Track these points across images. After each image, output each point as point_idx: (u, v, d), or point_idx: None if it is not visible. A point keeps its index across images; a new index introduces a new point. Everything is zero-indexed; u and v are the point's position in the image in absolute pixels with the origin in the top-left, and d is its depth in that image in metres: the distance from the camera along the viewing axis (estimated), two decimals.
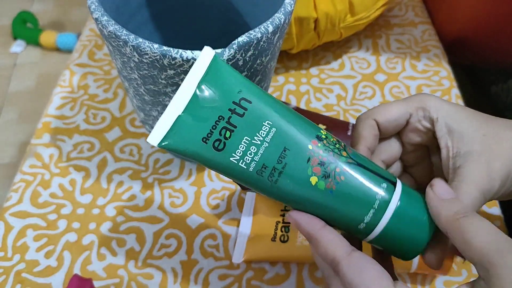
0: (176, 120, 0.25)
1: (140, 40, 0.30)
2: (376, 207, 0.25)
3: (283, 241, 0.37)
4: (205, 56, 0.26)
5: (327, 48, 0.55)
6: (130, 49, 0.30)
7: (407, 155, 0.31)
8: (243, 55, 0.30)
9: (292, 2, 0.33)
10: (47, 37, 1.57)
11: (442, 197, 0.26)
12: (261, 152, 0.25)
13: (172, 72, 0.31)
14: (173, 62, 0.30)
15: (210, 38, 0.46)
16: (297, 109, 0.46)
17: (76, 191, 0.43)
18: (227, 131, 0.25)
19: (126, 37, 0.30)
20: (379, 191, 0.25)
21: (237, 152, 0.25)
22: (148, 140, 0.25)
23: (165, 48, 0.29)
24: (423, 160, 0.32)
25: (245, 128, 0.25)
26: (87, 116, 0.49)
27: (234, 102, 0.25)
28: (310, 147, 0.25)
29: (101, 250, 0.39)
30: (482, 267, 0.22)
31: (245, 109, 0.25)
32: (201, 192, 0.43)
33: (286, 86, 0.52)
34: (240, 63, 0.31)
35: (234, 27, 0.44)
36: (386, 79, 0.52)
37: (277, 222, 0.38)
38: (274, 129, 0.25)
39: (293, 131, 0.25)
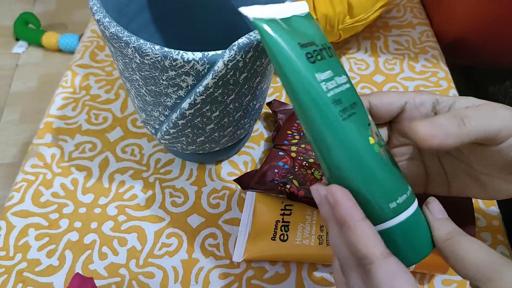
0: (288, 17, 0.27)
1: (142, 41, 0.30)
2: (408, 194, 0.26)
3: (283, 240, 0.37)
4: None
5: None
6: (132, 51, 0.31)
7: (394, 149, 0.31)
8: (243, 56, 0.31)
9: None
10: (49, 38, 1.57)
11: (436, 217, 0.26)
12: (342, 89, 0.26)
13: (173, 73, 0.31)
14: (174, 63, 0.30)
15: (211, 39, 0.47)
16: None
17: (77, 190, 0.43)
18: (319, 55, 0.26)
19: (128, 38, 0.30)
20: (408, 186, 0.27)
21: (324, 74, 0.26)
22: (251, 13, 0.25)
23: (166, 49, 0.30)
24: (411, 161, 0.31)
25: (333, 63, 0.27)
26: (89, 117, 0.49)
27: (324, 44, 0.27)
28: (369, 117, 0.27)
29: (103, 249, 0.40)
30: (479, 281, 0.23)
31: (332, 55, 0.27)
32: (201, 191, 0.43)
33: None
34: (240, 64, 0.31)
35: (234, 28, 0.45)
36: (384, 80, 0.53)
37: (277, 222, 0.38)
38: (349, 85, 0.27)
39: (359, 98, 0.27)
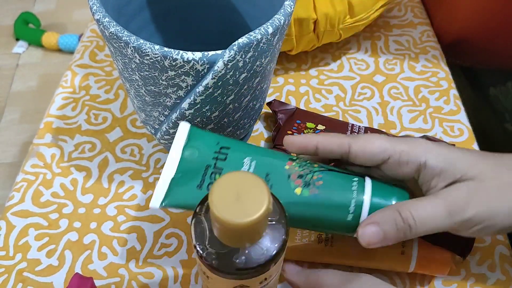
0: (170, 182, 0.31)
1: (141, 41, 0.30)
2: (355, 196, 0.30)
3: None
4: (182, 128, 0.32)
5: (326, 50, 0.56)
6: (131, 50, 0.31)
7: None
8: (243, 56, 0.31)
9: (291, 3, 0.33)
10: (49, 38, 1.57)
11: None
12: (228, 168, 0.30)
13: (173, 73, 0.31)
14: (174, 63, 0.30)
15: (210, 39, 0.47)
16: (297, 109, 0.46)
17: (77, 190, 0.43)
18: (216, 174, 0.30)
19: (128, 38, 0.30)
20: (353, 184, 0.30)
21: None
22: (150, 205, 0.30)
23: (166, 49, 0.30)
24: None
25: (230, 168, 0.30)
26: (88, 117, 0.49)
27: (215, 152, 0.31)
28: (287, 167, 0.31)
29: (102, 249, 0.40)
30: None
31: (226, 154, 0.31)
32: None
33: (285, 87, 0.52)
34: (240, 64, 0.31)
35: (234, 28, 0.45)
36: (384, 80, 0.53)
37: None
38: (254, 162, 0.31)
39: (270, 160, 0.31)
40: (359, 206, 0.30)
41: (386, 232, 0.28)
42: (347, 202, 0.30)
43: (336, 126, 0.44)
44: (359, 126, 0.44)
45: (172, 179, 0.31)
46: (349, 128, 0.44)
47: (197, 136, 0.32)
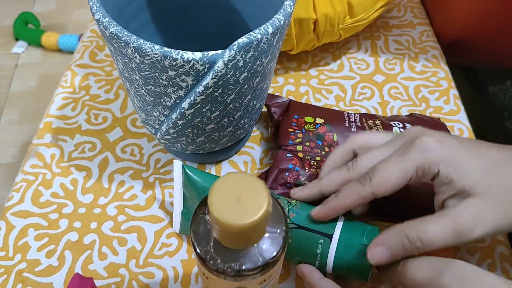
0: (181, 214, 0.39)
1: (142, 41, 0.30)
2: (320, 253, 0.33)
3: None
4: (176, 166, 0.38)
5: (326, 49, 0.56)
6: (132, 50, 0.31)
7: None
8: (243, 56, 0.31)
9: (291, 3, 0.33)
10: (49, 38, 1.57)
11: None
12: None
13: (173, 73, 0.31)
14: (174, 63, 0.30)
15: (210, 39, 0.47)
16: (290, 101, 0.46)
17: (77, 190, 0.43)
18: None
19: (128, 38, 0.30)
20: (319, 245, 0.33)
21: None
22: (174, 229, 0.40)
23: (166, 49, 0.30)
24: None
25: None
26: (88, 117, 0.49)
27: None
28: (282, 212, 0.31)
29: (102, 249, 0.40)
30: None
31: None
32: None
33: (285, 87, 0.52)
34: (240, 64, 0.31)
35: (234, 28, 0.45)
36: (384, 79, 0.53)
37: None
38: None
39: None
40: (323, 265, 0.33)
41: (394, 253, 0.29)
42: (312, 257, 0.33)
43: (333, 116, 0.43)
44: (354, 114, 0.44)
45: (182, 212, 0.39)
46: (346, 118, 0.43)
47: (189, 176, 0.38)
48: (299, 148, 0.41)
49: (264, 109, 0.50)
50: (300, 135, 0.42)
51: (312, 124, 0.43)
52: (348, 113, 0.44)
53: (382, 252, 0.30)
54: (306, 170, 0.40)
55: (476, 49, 0.55)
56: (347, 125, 0.42)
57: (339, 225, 0.33)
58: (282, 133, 0.43)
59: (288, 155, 0.41)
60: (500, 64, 0.54)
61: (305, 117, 0.43)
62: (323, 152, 0.41)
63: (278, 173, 0.40)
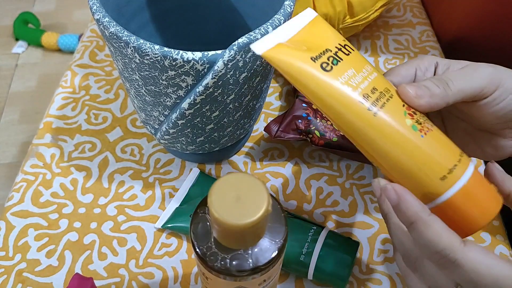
0: (175, 210, 0.41)
1: (141, 41, 0.30)
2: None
3: (325, 70, 0.26)
4: (193, 172, 0.43)
5: None
6: (132, 50, 0.31)
7: None
8: (243, 56, 0.31)
9: (291, 3, 0.33)
10: (49, 38, 1.57)
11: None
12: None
13: (173, 73, 0.31)
14: (174, 63, 0.30)
15: (210, 39, 0.47)
16: (294, 90, 0.49)
17: (77, 190, 0.43)
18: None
19: (128, 38, 0.30)
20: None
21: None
22: (155, 225, 0.41)
23: (166, 49, 0.30)
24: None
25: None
26: (88, 117, 0.49)
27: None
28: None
29: (102, 249, 0.40)
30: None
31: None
32: None
33: (285, 87, 0.52)
34: (240, 64, 0.31)
35: (234, 28, 0.44)
36: None
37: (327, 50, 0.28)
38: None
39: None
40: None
41: (429, 87, 0.27)
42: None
43: None
44: None
45: (176, 208, 0.40)
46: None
47: (203, 181, 0.41)
48: None
49: (264, 109, 0.50)
50: None
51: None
52: None
53: (417, 89, 0.27)
54: (318, 120, 0.44)
55: (476, 48, 0.55)
56: None
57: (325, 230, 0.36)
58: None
59: (304, 105, 0.45)
60: (499, 64, 0.54)
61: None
62: None
63: (292, 119, 0.43)
